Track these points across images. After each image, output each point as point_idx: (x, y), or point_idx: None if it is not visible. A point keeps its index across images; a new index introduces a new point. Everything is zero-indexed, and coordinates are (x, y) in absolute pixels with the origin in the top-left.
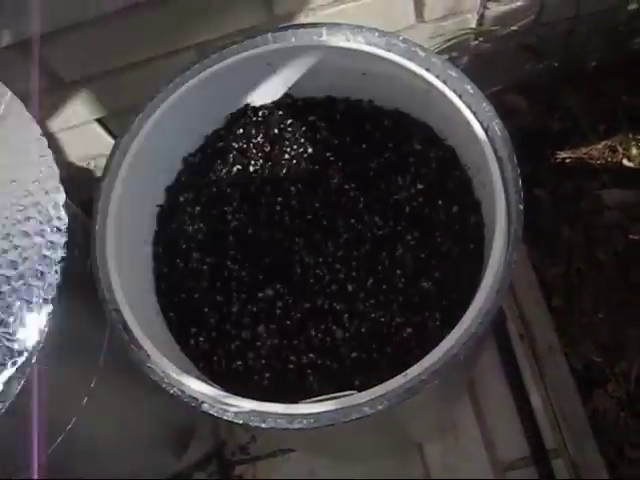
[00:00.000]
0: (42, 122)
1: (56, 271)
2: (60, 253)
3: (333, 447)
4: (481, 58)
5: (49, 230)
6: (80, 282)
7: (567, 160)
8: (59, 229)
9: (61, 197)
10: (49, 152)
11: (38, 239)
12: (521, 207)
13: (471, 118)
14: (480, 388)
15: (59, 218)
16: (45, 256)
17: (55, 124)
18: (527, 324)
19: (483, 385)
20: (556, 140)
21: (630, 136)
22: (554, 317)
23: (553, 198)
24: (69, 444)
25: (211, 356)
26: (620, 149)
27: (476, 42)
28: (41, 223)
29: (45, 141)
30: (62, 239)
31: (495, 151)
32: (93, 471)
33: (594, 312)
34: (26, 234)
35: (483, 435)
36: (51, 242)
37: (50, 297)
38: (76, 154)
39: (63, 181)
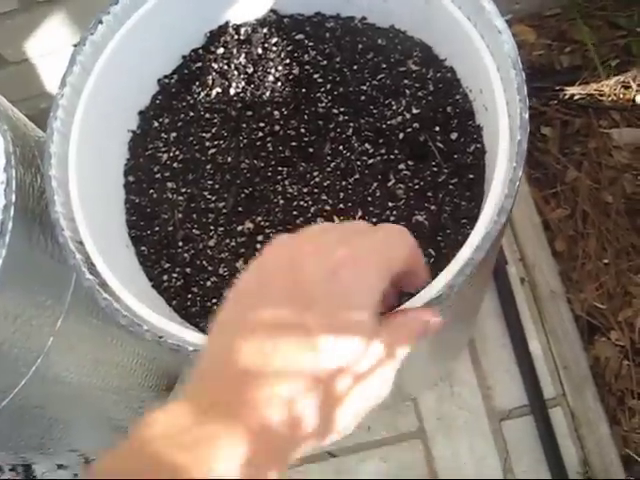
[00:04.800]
0: (19, 46)
1: None
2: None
3: None
4: None
5: None
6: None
7: (576, 97)
8: None
9: None
10: None
11: None
12: (526, 116)
13: (471, 30)
14: (477, 333)
15: None
16: None
17: (33, 49)
18: (529, 268)
19: (480, 330)
20: (565, 75)
21: None
22: (557, 261)
23: (560, 137)
24: (37, 385)
25: (185, 294)
26: (634, 85)
27: None
28: None
29: None
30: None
31: (498, 67)
32: (69, 414)
33: (599, 257)
34: None
35: (479, 383)
36: None
37: None
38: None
39: (44, 112)
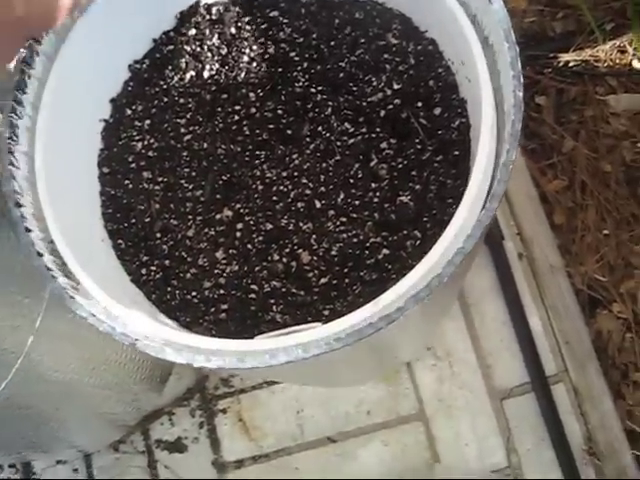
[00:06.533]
0: None
1: None
2: None
3: (313, 375)
4: None
5: None
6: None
7: (571, 64)
8: None
9: None
10: None
11: None
12: (520, 94)
13: None
14: (476, 311)
15: None
16: None
17: None
18: (527, 242)
19: (479, 308)
20: (558, 42)
21: None
22: (556, 234)
23: (555, 106)
24: (20, 387)
25: (165, 287)
26: (630, 49)
27: None
28: None
29: None
30: None
31: (481, 33)
32: (60, 412)
33: (599, 229)
34: None
35: (479, 362)
36: None
37: None
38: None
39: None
